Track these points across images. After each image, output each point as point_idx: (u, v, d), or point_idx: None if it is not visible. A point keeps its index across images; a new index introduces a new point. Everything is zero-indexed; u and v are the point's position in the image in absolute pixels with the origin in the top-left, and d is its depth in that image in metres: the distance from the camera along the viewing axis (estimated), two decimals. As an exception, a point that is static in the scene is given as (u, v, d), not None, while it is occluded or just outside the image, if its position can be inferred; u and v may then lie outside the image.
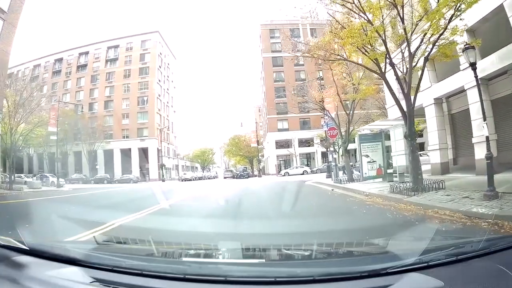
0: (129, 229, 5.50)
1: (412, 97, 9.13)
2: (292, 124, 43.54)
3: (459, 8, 7.42)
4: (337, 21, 9.04)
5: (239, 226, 5.55)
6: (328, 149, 19.54)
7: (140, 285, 1.24)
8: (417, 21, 8.45)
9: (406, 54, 9.28)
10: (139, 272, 1.30)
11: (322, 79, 18.61)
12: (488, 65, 10.78)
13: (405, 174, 11.60)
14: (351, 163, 17.91)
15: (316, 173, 33.17)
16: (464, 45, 7.48)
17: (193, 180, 39.47)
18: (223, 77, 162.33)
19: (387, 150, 12.91)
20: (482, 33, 10.74)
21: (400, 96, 17.08)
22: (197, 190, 16.63)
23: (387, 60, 9.09)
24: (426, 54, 8.74)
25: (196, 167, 68.53)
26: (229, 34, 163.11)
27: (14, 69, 48.81)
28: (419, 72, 9.11)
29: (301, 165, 39.48)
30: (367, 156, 12.79)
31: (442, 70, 13.87)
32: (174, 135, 56.26)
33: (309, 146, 42.75)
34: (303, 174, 33.57)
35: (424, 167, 10.94)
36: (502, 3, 9.84)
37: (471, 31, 11.05)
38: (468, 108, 14.22)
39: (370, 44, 8.83)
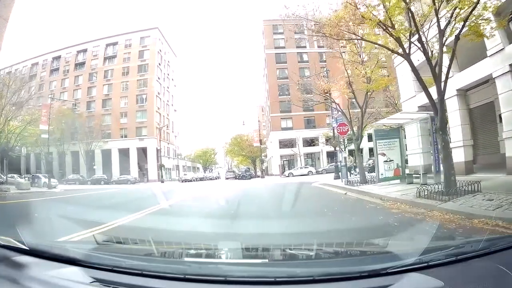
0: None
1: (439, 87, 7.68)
2: (296, 123, 42.05)
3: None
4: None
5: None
6: (337, 148, 17.99)
7: (140, 285, 1.23)
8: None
9: (431, 35, 7.93)
10: (139, 272, 1.30)
11: (329, 70, 17.02)
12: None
13: (428, 175, 10.14)
14: (354, 164, 16.54)
15: (321, 173, 31.73)
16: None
17: (194, 181, 38.15)
18: (225, 76, 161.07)
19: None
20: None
21: (416, 88, 15.83)
22: (192, 193, 15.46)
23: (413, 38, 7.65)
24: (457, 32, 7.42)
25: (198, 168, 67.15)
26: (231, 32, 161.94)
27: (13, 67, 48.35)
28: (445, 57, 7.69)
29: (305, 165, 37.97)
30: (384, 154, 11.25)
31: (464, 59, 12.50)
32: (174, 135, 54.94)
33: (313, 145, 41.23)
34: (308, 174, 32.14)
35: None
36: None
37: (497, 13, 9.87)
38: (491, 101, 13.05)
39: (391, 21, 7.39)
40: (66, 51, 48.31)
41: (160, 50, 49.07)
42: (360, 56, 12.71)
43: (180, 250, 2.16)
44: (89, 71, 46.63)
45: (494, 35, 8.58)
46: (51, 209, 10.05)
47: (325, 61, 32.56)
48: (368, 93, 12.21)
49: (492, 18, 7.90)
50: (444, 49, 7.62)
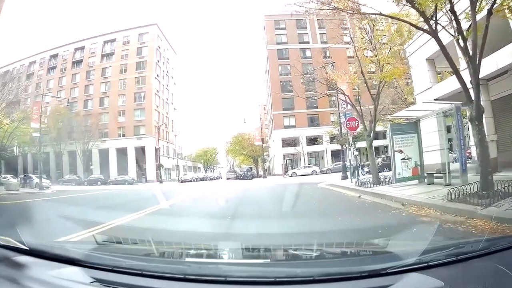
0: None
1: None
2: (299, 121, 40.73)
3: None
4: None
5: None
6: (344, 146, 16.71)
7: (140, 285, 1.23)
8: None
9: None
10: (139, 272, 1.30)
11: (334, 62, 15.78)
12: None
13: (452, 175, 8.89)
14: (360, 163, 15.33)
15: (326, 173, 30.40)
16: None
17: (194, 181, 37.05)
18: (227, 74, 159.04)
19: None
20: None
21: (432, 79, 14.55)
22: (188, 194, 14.50)
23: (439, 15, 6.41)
24: (489, 5, 6.36)
25: (199, 168, 65.89)
26: (232, 28, 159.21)
27: (10, 66, 47.55)
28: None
29: (309, 164, 36.65)
30: (401, 151, 9.95)
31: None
32: (174, 134, 53.75)
33: (317, 144, 39.96)
34: (312, 174, 30.89)
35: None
36: None
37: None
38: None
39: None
40: (64, 49, 47.28)
41: (159, 47, 47.87)
42: (371, 43, 11.44)
43: (180, 250, 2.17)
44: (86, 69, 45.56)
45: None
46: (34, 211, 9.58)
47: (329, 57, 31.30)
48: (382, 83, 10.94)
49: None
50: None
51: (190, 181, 36.75)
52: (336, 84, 12.29)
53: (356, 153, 13.97)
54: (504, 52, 10.26)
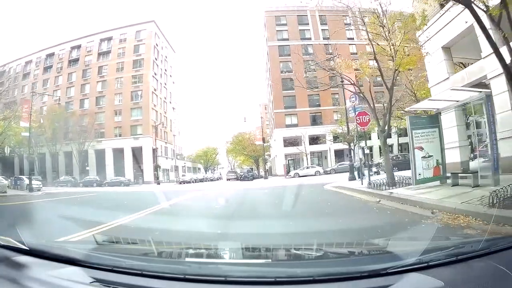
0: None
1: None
2: (301, 120, 39.43)
3: None
4: None
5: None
6: (351, 145, 15.43)
7: (140, 285, 1.23)
8: None
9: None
10: (139, 272, 1.30)
11: (340, 55, 14.52)
12: None
13: (480, 174, 7.64)
14: (369, 162, 14.04)
15: (329, 173, 29.17)
16: None
17: (193, 182, 35.78)
18: (227, 73, 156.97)
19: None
20: None
21: (449, 69, 13.25)
22: (181, 197, 13.29)
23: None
24: None
25: (199, 168, 64.62)
26: (232, 26, 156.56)
27: (6, 66, 46.61)
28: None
29: (312, 165, 35.33)
30: (421, 148, 8.66)
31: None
32: (173, 134, 52.54)
33: (320, 143, 38.62)
34: (315, 175, 29.54)
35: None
36: None
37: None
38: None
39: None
40: (60, 48, 46.23)
41: (157, 45, 46.67)
42: (383, 28, 10.19)
43: (180, 250, 2.16)
44: (82, 68, 44.43)
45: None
46: (17, 214, 9.16)
47: (331, 54, 30.03)
48: (396, 72, 9.67)
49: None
50: None
51: (189, 182, 35.47)
52: (343, 74, 11.00)
53: (367, 150, 12.64)
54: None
